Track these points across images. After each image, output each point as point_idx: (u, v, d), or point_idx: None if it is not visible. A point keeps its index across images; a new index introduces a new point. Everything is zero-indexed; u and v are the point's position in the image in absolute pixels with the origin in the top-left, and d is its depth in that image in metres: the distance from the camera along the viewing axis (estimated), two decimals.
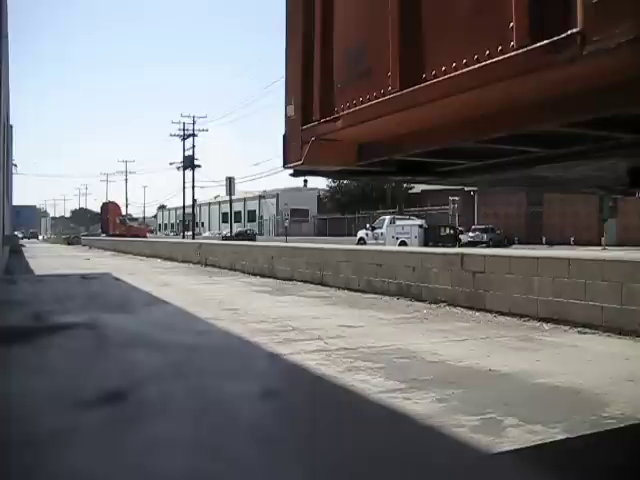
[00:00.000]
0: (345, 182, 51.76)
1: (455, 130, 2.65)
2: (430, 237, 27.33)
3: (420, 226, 28.34)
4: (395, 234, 28.49)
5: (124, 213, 74.34)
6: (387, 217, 32.89)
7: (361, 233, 32.30)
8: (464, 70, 2.20)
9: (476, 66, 2.14)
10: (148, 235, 69.95)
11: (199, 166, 55.73)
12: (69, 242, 56.75)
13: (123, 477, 0.55)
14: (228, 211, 62.66)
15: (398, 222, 30.61)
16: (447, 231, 29.85)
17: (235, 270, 16.80)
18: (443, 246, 22.39)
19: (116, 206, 68.00)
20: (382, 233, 29.68)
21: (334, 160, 3.37)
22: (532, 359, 5.31)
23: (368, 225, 33.29)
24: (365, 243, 28.93)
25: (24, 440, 0.63)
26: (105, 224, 64.25)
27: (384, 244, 26.64)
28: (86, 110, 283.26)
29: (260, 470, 0.57)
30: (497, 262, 8.45)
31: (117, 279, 7.57)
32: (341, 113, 2.95)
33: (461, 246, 27.07)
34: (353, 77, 2.89)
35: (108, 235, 56.53)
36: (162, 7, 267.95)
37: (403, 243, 26.70)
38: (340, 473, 0.57)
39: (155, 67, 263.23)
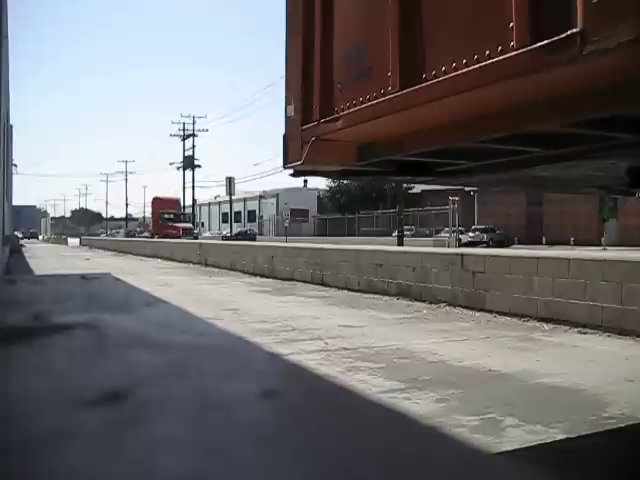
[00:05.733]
0: (345, 182, 51.79)
1: (455, 130, 2.65)
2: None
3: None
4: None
5: (176, 209, 51.21)
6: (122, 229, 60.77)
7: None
8: (464, 70, 2.20)
9: (476, 66, 2.14)
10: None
11: (199, 166, 55.41)
12: None
13: (123, 477, 0.55)
14: (228, 211, 62.58)
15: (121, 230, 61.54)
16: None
17: (235, 270, 16.80)
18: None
19: (160, 201, 51.37)
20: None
21: (334, 160, 3.37)
22: (532, 359, 5.31)
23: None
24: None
25: (24, 440, 0.63)
26: (151, 223, 52.37)
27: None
28: (86, 110, 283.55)
29: (260, 470, 0.57)
30: (497, 262, 8.45)
31: (117, 279, 7.56)
32: (341, 113, 2.95)
33: (461, 246, 28.68)
34: (353, 77, 2.89)
35: (154, 237, 44.42)
36: (162, 8, 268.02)
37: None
38: (340, 473, 0.57)
39: (155, 67, 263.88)
